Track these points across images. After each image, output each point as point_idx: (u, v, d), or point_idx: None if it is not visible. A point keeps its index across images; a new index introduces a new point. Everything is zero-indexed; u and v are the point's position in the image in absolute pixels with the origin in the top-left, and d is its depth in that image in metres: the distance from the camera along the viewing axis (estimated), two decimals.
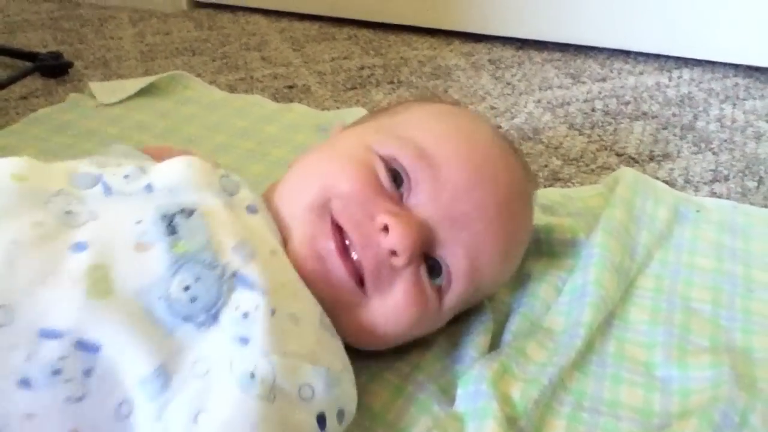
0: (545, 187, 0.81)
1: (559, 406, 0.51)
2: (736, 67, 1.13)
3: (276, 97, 1.06)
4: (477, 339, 0.55)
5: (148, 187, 0.46)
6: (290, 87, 1.11)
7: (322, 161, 0.52)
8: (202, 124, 0.93)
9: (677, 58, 1.17)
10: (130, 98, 1.01)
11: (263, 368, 0.39)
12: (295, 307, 0.43)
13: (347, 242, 0.47)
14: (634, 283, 0.63)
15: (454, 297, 0.50)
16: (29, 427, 0.36)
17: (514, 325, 0.58)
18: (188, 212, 0.43)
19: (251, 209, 0.48)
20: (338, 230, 0.47)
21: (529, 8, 1.22)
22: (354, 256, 0.46)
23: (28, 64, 1.13)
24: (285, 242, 0.47)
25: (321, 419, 0.41)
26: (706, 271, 0.65)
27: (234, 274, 0.41)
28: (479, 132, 0.54)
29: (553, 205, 0.72)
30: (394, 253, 0.46)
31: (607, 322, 0.59)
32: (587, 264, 0.61)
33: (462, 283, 0.49)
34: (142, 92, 1.03)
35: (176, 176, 0.47)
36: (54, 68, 1.14)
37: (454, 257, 0.49)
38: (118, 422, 0.38)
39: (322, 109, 1.01)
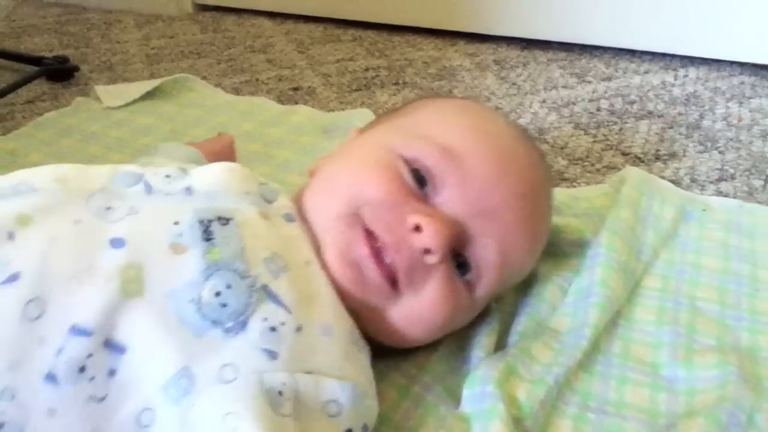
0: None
1: (565, 406, 0.51)
2: (742, 65, 1.13)
3: (281, 99, 1.06)
4: (483, 339, 0.55)
5: (188, 190, 0.46)
6: (295, 89, 1.11)
7: (348, 168, 0.52)
8: (208, 127, 0.93)
9: (683, 57, 1.17)
10: (135, 101, 1.02)
11: (290, 387, 0.40)
12: (328, 319, 0.44)
13: (380, 246, 0.47)
14: (640, 283, 0.63)
15: (485, 289, 0.51)
16: (50, 424, 0.37)
17: (520, 325, 0.58)
18: (225, 220, 0.44)
19: (288, 218, 0.48)
20: (370, 236, 0.47)
21: (534, 8, 1.22)
22: (387, 259, 0.47)
23: (35, 68, 1.14)
24: (317, 251, 0.47)
25: None
26: (712, 271, 0.65)
27: (264, 287, 0.42)
28: (496, 124, 0.55)
29: (559, 205, 0.72)
30: (427, 251, 0.46)
31: (613, 322, 0.59)
32: (593, 264, 0.61)
33: (493, 274, 0.50)
34: (148, 95, 1.03)
35: (216, 181, 0.48)
36: (60, 72, 1.14)
37: (484, 250, 0.49)
38: (138, 429, 0.38)
39: (328, 111, 1.01)
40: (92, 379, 0.38)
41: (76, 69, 1.16)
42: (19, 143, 0.92)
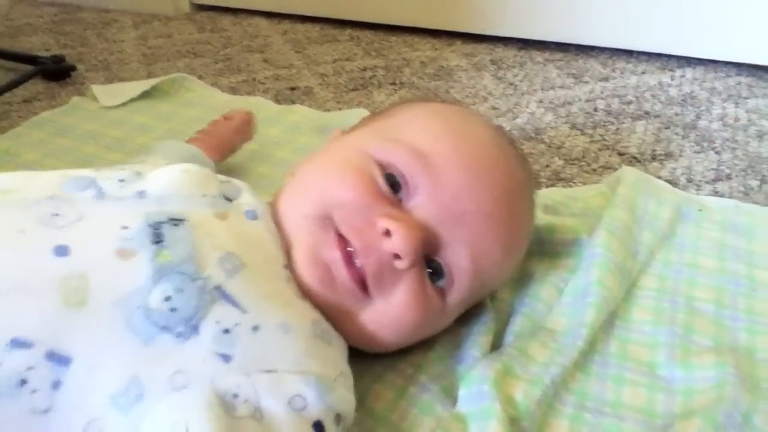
0: (547, 187, 0.81)
1: (561, 406, 0.51)
2: (738, 66, 1.13)
3: (278, 99, 1.06)
4: (479, 339, 0.55)
5: (141, 194, 0.46)
6: (292, 89, 1.11)
7: (321, 170, 0.52)
8: (203, 126, 0.93)
9: (679, 57, 1.17)
10: (132, 101, 1.02)
11: (246, 389, 0.39)
12: (285, 317, 0.43)
13: (350, 249, 0.46)
14: (636, 283, 0.63)
15: (458, 296, 0.50)
16: None
17: (517, 325, 0.58)
18: (177, 221, 0.43)
19: (250, 215, 0.48)
20: (342, 239, 0.47)
21: (531, 9, 1.22)
22: (357, 263, 0.46)
23: (31, 67, 1.14)
24: (288, 250, 0.47)
25: (318, 426, 0.41)
26: (709, 271, 0.65)
27: (217, 287, 0.41)
28: (474, 128, 0.54)
29: (555, 205, 0.72)
30: (397, 256, 0.46)
31: (610, 322, 0.59)
32: (589, 264, 0.61)
33: (466, 281, 0.50)
34: (145, 95, 1.03)
35: (171, 183, 0.47)
36: (56, 72, 1.14)
37: (456, 256, 0.49)
38: None
39: (325, 111, 1.01)
40: (34, 391, 0.36)
41: (73, 68, 1.16)
42: (15, 142, 0.92)
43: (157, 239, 0.41)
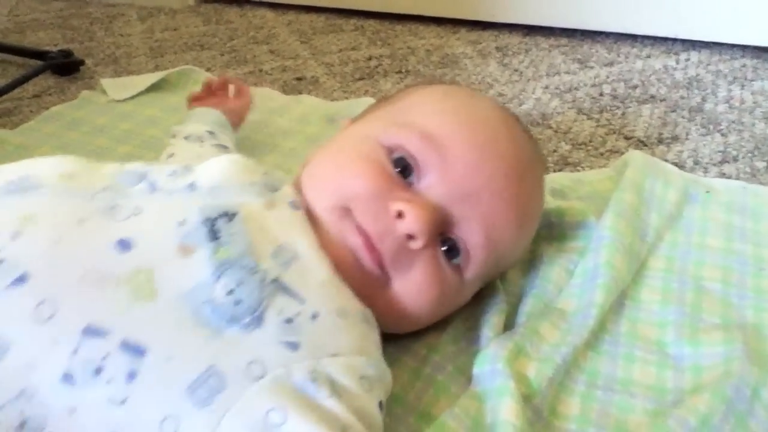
0: (555, 171, 0.82)
1: (573, 384, 0.52)
2: (743, 48, 1.13)
3: (285, 90, 1.07)
4: (492, 320, 0.56)
5: (192, 186, 0.47)
6: (299, 79, 1.12)
7: (333, 162, 0.53)
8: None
9: (684, 41, 1.17)
10: (141, 94, 1.03)
11: (321, 372, 0.40)
12: (340, 303, 0.44)
13: (369, 235, 0.48)
14: (645, 264, 0.64)
15: (474, 271, 0.51)
16: (70, 423, 0.37)
17: (528, 306, 0.59)
18: (230, 216, 0.44)
19: (294, 206, 0.49)
20: (360, 226, 0.48)
21: None
22: (376, 246, 0.47)
23: (40, 63, 1.15)
24: (321, 238, 0.48)
25: (380, 406, 0.43)
26: (716, 251, 0.65)
27: (274, 280, 0.42)
28: (480, 107, 0.55)
29: (563, 189, 0.73)
30: (411, 236, 0.47)
31: (619, 302, 0.59)
32: (598, 246, 0.62)
33: (480, 257, 0.51)
34: (153, 88, 1.04)
35: (220, 175, 0.48)
36: (65, 66, 1.15)
37: (470, 233, 0.50)
38: None
39: (332, 100, 1.02)
40: (110, 381, 0.37)
41: (81, 63, 1.17)
42: (28, 137, 0.93)
43: (214, 236, 0.42)
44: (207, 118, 0.77)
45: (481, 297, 0.58)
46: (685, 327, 0.57)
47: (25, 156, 0.87)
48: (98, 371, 0.37)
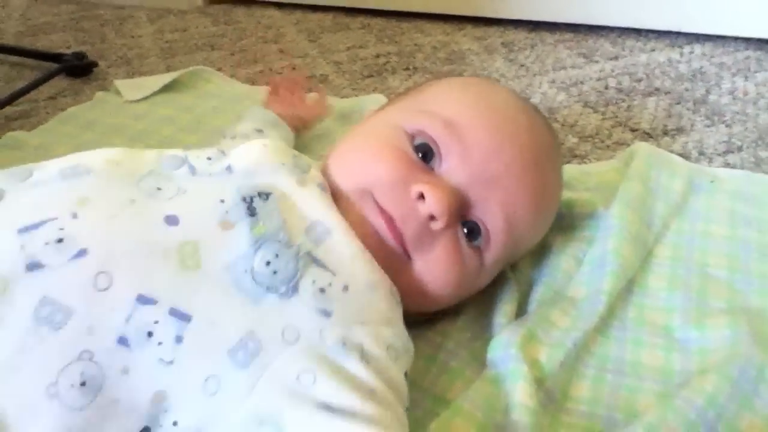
0: (563, 164, 0.83)
1: (583, 368, 0.54)
2: (747, 40, 1.15)
3: None
4: (504, 307, 0.58)
5: (229, 169, 0.50)
6: (309, 77, 1.13)
7: (358, 148, 0.55)
8: (227, 117, 0.96)
9: (688, 34, 1.19)
10: (154, 94, 1.05)
11: (352, 338, 0.43)
12: (370, 276, 0.47)
13: (391, 216, 0.50)
14: (652, 252, 0.66)
15: (494, 254, 0.53)
16: (124, 381, 0.40)
17: (538, 294, 0.61)
18: (265, 195, 0.47)
19: (322, 187, 0.51)
20: (383, 209, 0.50)
21: None
22: (398, 227, 0.50)
23: (53, 65, 1.17)
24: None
25: (405, 376, 0.46)
26: (721, 238, 0.67)
27: (308, 254, 0.45)
28: (499, 96, 0.57)
29: (571, 180, 0.75)
30: (432, 217, 0.49)
31: (627, 289, 0.61)
32: (606, 235, 0.64)
33: (501, 239, 0.53)
34: (166, 88, 1.06)
35: (253, 158, 0.51)
36: (79, 68, 1.17)
37: (490, 215, 0.52)
38: (206, 397, 0.41)
39: (341, 98, 1.03)
40: (160, 343, 0.41)
41: (95, 65, 1.19)
42: (46, 138, 0.95)
43: (251, 213, 0.46)
44: (258, 116, 0.80)
45: (493, 286, 0.59)
46: (691, 312, 0.58)
47: (44, 156, 0.89)
48: (150, 335, 0.41)
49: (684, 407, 0.47)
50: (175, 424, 0.40)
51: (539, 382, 0.51)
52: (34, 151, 0.91)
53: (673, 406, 0.48)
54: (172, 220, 0.44)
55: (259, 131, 0.76)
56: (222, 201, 0.46)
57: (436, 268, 0.51)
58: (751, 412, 0.48)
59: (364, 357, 0.43)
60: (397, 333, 0.46)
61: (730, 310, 0.58)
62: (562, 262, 0.63)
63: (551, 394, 0.51)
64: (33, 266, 0.41)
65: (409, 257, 0.51)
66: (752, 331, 0.54)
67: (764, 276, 0.62)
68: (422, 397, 0.52)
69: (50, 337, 0.40)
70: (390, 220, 0.50)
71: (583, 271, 0.62)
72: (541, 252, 0.65)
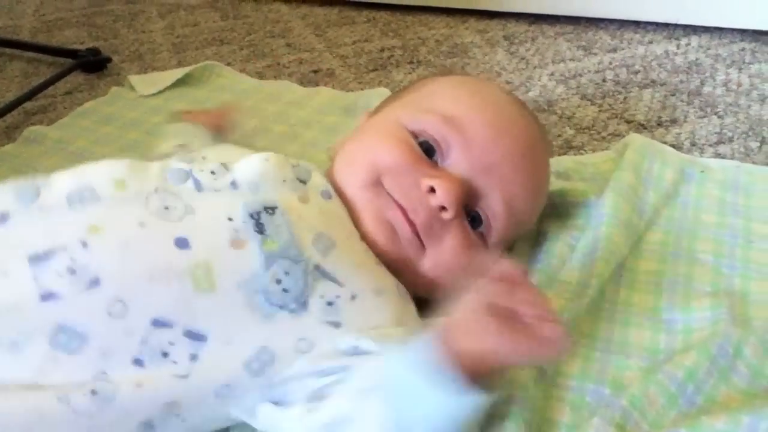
0: (560, 155, 0.87)
1: (574, 347, 0.58)
2: (743, 32, 1.17)
3: (302, 82, 1.12)
4: None
5: (234, 184, 0.52)
6: (315, 71, 1.17)
7: (363, 144, 0.59)
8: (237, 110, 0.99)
9: (685, 26, 1.21)
10: (167, 89, 1.09)
11: (364, 342, 0.47)
12: (377, 281, 0.50)
13: (404, 207, 0.54)
14: (642, 238, 0.69)
15: (497, 236, 0.58)
16: (137, 393, 0.43)
17: (534, 279, 0.64)
18: (271, 209, 0.50)
19: (326, 195, 0.54)
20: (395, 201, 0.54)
21: None
22: (412, 218, 0.54)
23: (69, 61, 1.21)
24: (356, 220, 0.54)
25: None
26: (710, 226, 0.70)
27: (316, 267, 0.48)
28: (491, 92, 0.62)
29: (567, 171, 0.78)
30: (443, 208, 0.53)
31: (618, 273, 0.65)
32: (598, 223, 0.67)
33: (502, 222, 0.57)
34: (179, 82, 1.10)
35: (256, 172, 0.53)
36: (94, 64, 1.21)
37: (492, 201, 0.56)
38: (217, 401, 0.44)
39: (347, 91, 1.07)
40: (175, 362, 0.44)
41: (109, 60, 1.23)
42: (65, 132, 0.99)
43: (260, 229, 0.48)
44: (177, 131, 0.80)
45: None
46: (677, 295, 0.62)
47: (63, 149, 0.94)
48: (165, 355, 0.44)
49: (665, 380, 0.51)
50: (183, 420, 0.45)
51: None
52: (54, 145, 0.96)
53: (655, 379, 0.52)
54: (182, 243, 0.46)
55: (182, 146, 0.76)
56: (230, 219, 0.48)
57: (448, 256, 0.55)
58: (728, 385, 0.52)
59: (380, 356, 0.46)
60: (408, 331, 0.49)
61: (714, 292, 0.62)
62: (556, 249, 0.67)
63: (543, 371, 0.55)
64: (47, 296, 0.43)
65: (423, 247, 0.54)
66: (732, 312, 0.58)
67: (748, 261, 0.66)
68: None
69: (66, 361, 0.42)
70: (405, 212, 0.53)
71: (575, 257, 0.65)
72: (536, 239, 0.69)
